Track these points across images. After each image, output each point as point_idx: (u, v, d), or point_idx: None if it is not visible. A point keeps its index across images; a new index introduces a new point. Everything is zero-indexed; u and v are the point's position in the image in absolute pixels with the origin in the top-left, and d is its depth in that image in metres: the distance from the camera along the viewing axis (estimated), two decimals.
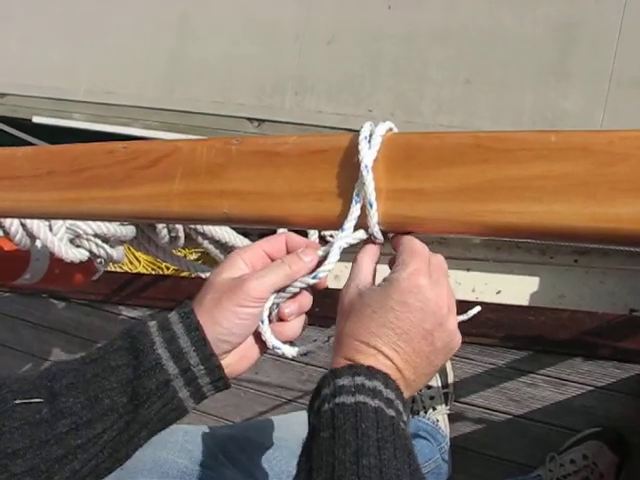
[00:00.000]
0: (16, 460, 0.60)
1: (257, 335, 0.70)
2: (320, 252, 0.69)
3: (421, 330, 0.62)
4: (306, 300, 0.71)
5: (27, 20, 3.28)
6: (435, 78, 2.34)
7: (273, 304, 0.70)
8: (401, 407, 0.60)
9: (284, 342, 0.71)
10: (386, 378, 0.60)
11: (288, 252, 0.71)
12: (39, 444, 0.61)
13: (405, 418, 0.61)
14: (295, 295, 0.70)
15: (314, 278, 0.69)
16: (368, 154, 0.63)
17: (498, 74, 2.24)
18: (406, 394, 0.62)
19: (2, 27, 3.33)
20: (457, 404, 1.79)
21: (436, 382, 1.73)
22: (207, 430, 1.00)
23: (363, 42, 2.51)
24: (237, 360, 0.69)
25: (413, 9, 2.42)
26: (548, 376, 1.70)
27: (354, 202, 0.64)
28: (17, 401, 0.62)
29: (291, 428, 1.06)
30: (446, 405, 1.73)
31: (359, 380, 0.59)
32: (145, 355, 0.64)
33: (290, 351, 0.71)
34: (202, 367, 0.65)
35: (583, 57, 2.13)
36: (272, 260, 0.70)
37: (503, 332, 1.75)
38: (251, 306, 0.66)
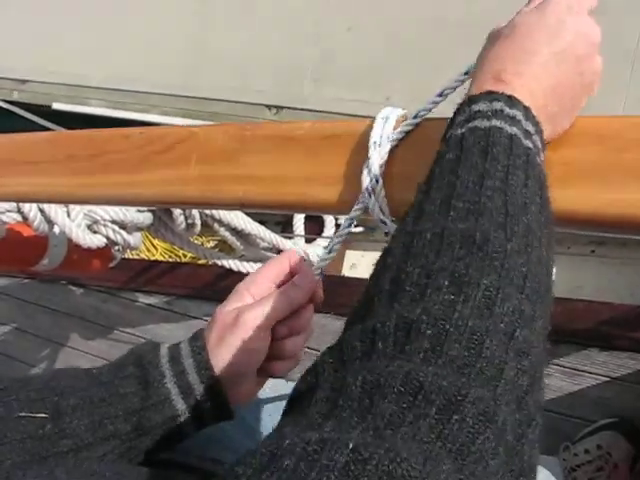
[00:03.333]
0: (16, 472, 0.59)
1: (260, 368, 0.70)
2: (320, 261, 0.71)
3: (574, 54, 0.59)
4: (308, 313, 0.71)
5: (47, 7, 3.30)
6: (454, 65, 2.32)
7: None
8: (539, 143, 0.56)
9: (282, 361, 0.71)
10: (527, 110, 0.55)
11: (291, 271, 0.71)
12: (39, 459, 0.61)
13: (542, 156, 0.56)
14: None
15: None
16: (378, 134, 0.63)
17: None
18: (547, 129, 0.57)
19: (22, 14, 3.36)
20: None
21: None
22: None
23: (382, 29, 2.50)
24: (241, 392, 0.69)
25: None
26: (563, 366, 1.69)
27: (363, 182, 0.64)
28: (22, 413, 0.62)
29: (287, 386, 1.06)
30: None
31: (498, 105, 0.54)
32: (155, 388, 0.64)
33: None
34: (210, 404, 0.66)
35: (604, 42, 2.11)
36: (278, 285, 0.70)
37: None
38: (253, 339, 0.66)
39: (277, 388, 1.04)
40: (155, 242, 2.89)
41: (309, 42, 2.63)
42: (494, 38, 0.62)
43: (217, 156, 0.74)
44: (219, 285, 2.23)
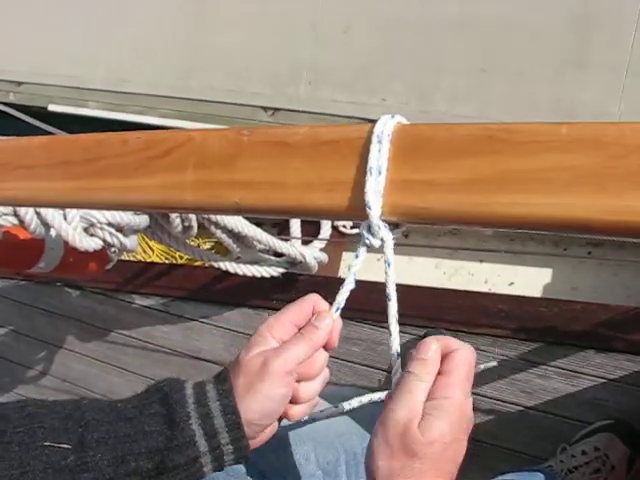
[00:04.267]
0: None
1: None
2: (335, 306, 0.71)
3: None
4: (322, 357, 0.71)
5: (43, 8, 3.29)
6: (451, 67, 2.33)
7: None
8: None
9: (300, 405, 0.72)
10: None
11: (312, 313, 0.71)
12: None
13: None
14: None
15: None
16: (378, 140, 0.63)
17: (514, 64, 2.23)
18: None
19: (19, 16, 3.35)
20: None
21: None
22: None
23: (379, 31, 2.50)
24: (261, 437, 0.70)
25: None
26: (560, 368, 1.70)
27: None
28: (46, 443, 0.63)
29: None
30: None
31: None
32: (180, 429, 0.64)
33: None
34: (231, 447, 0.66)
35: (600, 48, 2.11)
36: (299, 328, 0.71)
37: (515, 324, 1.75)
38: (281, 386, 0.66)
39: None
40: (151, 244, 2.88)
41: (305, 44, 2.63)
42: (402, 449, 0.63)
43: (214, 161, 0.74)
44: (215, 287, 2.23)
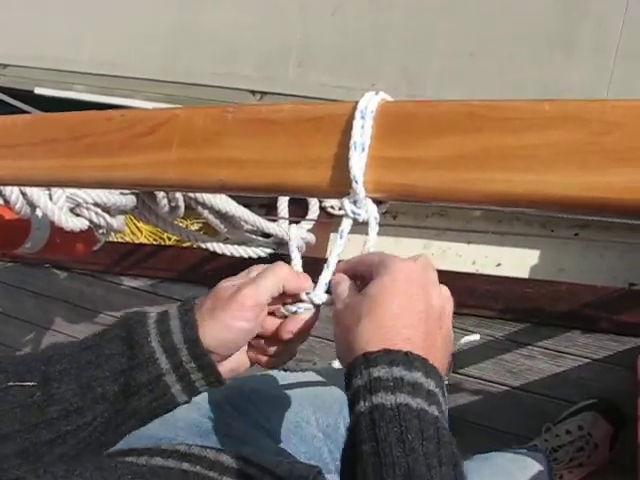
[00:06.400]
0: (7, 442, 0.61)
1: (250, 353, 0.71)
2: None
3: (417, 313, 0.60)
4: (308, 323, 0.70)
5: None
6: (440, 51, 2.32)
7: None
8: (441, 397, 0.57)
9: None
10: (425, 363, 0.56)
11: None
12: (29, 427, 0.62)
13: (444, 408, 0.57)
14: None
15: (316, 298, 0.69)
16: (361, 116, 0.64)
17: (503, 47, 2.22)
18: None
19: None
20: (454, 375, 1.80)
21: None
22: None
23: (367, 14, 2.49)
24: (225, 366, 0.69)
25: None
26: (545, 348, 1.71)
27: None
28: (10, 383, 0.63)
29: (296, 381, 1.07)
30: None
31: (397, 372, 0.54)
32: (140, 346, 0.64)
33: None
34: (194, 365, 0.65)
35: (589, 30, 2.11)
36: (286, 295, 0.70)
37: (501, 304, 1.76)
38: (243, 319, 0.65)
39: (279, 380, 1.05)
40: (139, 225, 2.87)
41: (293, 28, 2.61)
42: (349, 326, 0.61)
43: (199, 139, 0.74)
44: (204, 268, 2.23)
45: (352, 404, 0.56)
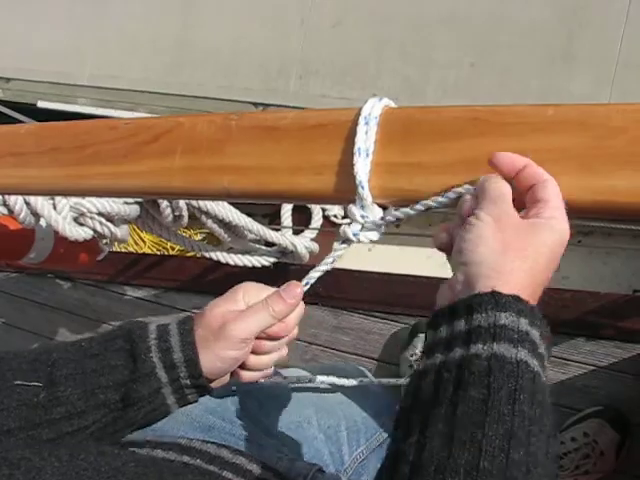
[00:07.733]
0: (9, 438, 0.63)
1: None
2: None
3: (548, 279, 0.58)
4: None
5: (31, 4, 3.27)
6: (440, 62, 2.33)
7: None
8: (544, 352, 0.54)
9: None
10: (544, 325, 0.54)
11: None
12: (32, 426, 0.64)
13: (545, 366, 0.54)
14: None
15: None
16: (365, 122, 0.64)
17: (503, 57, 2.23)
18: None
19: (6, 12, 3.33)
20: None
21: None
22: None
23: (368, 26, 2.50)
24: (214, 383, 0.73)
25: None
26: (551, 356, 1.70)
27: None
28: (17, 382, 0.65)
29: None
30: None
31: (524, 325, 0.52)
32: (142, 361, 0.67)
33: None
34: (189, 382, 0.69)
35: (589, 40, 2.11)
36: None
37: None
38: (234, 349, 0.69)
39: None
40: (143, 235, 2.88)
41: (295, 39, 2.63)
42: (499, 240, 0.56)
43: (203, 146, 0.74)
44: (207, 277, 2.23)
45: (459, 336, 0.52)
